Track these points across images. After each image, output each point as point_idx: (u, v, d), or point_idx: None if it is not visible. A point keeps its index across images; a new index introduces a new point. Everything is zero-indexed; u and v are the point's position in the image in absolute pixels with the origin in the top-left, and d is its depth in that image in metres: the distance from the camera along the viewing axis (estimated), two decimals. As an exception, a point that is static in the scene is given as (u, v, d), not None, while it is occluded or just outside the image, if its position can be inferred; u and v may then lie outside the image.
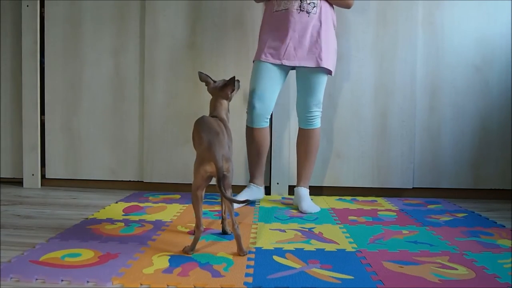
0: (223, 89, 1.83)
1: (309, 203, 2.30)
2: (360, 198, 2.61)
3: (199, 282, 1.32)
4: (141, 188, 2.77)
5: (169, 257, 1.52)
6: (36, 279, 1.33)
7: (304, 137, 2.35)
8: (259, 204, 2.40)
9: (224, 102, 1.83)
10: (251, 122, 2.31)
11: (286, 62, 2.21)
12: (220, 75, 2.59)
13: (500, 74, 2.67)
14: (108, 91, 2.77)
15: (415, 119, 2.67)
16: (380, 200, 2.58)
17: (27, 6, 2.73)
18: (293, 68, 2.32)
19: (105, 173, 2.80)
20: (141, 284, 1.30)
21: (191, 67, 2.70)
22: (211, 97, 1.86)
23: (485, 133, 2.69)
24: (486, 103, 2.68)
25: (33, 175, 2.79)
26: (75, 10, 2.76)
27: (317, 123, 2.33)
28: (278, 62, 2.21)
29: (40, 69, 2.78)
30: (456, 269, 1.46)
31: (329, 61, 2.23)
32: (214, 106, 1.83)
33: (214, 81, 1.88)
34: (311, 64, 2.20)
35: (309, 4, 2.19)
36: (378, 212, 2.25)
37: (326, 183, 2.70)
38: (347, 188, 2.70)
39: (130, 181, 2.79)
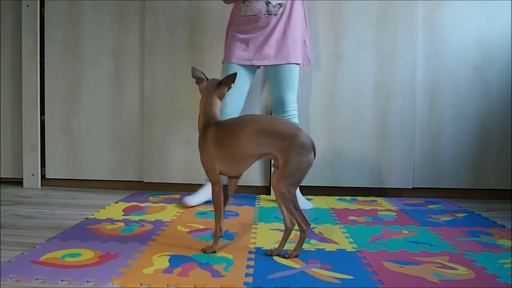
0: (220, 87, 1.65)
1: (302, 199, 2.33)
2: (360, 198, 2.61)
3: (199, 282, 1.32)
4: (141, 188, 2.77)
5: (169, 257, 1.52)
6: (36, 279, 1.33)
7: None
8: (259, 204, 2.40)
9: (218, 102, 1.67)
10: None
11: (256, 62, 2.24)
12: (219, 75, 2.60)
13: (500, 74, 2.67)
14: (108, 91, 2.77)
15: (415, 119, 2.67)
16: (380, 200, 2.57)
17: (27, 6, 2.73)
18: (258, 67, 2.36)
19: (105, 173, 2.80)
20: (141, 284, 1.30)
21: (191, 66, 2.69)
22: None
23: (485, 133, 2.69)
24: (486, 103, 2.68)
25: (33, 175, 2.79)
26: (75, 10, 2.76)
27: (295, 121, 2.32)
28: (248, 63, 2.25)
29: (40, 69, 2.78)
30: (456, 269, 1.46)
31: (298, 57, 2.28)
32: (209, 105, 1.64)
33: (207, 79, 1.71)
34: (280, 61, 2.25)
35: (275, 6, 2.22)
36: (378, 212, 2.25)
37: (326, 183, 2.70)
38: (347, 188, 2.70)
39: (130, 181, 2.79)
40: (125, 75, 2.76)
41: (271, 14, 2.22)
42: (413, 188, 2.70)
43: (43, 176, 2.83)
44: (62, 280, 1.32)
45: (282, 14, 2.24)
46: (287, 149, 1.48)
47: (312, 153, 1.52)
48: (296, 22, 2.29)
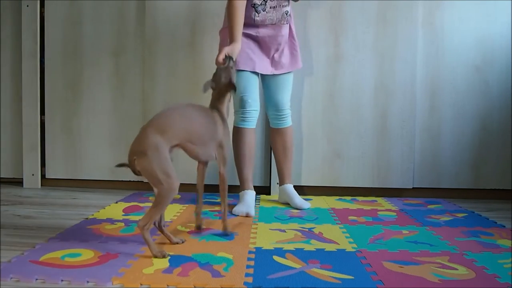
0: (228, 86, 1.80)
1: (301, 199, 2.34)
2: (360, 198, 2.61)
3: (199, 282, 1.32)
4: (141, 188, 2.77)
5: (169, 257, 1.52)
6: (36, 279, 1.33)
7: (279, 136, 2.38)
8: (259, 204, 2.40)
9: (227, 94, 1.81)
10: (248, 123, 2.26)
11: (277, 72, 2.27)
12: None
13: (500, 74, 2.67)
14: (108, 91, 2.78)
15: (415, 119, 2.67)
16: (380, 200, 2.58)
17: (27, 6, 2.73)
18: None
19: (105, 173, 2.80)
20: (141, 284, 1.30)
21: (191, 67, 2.70)
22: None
23: (485, 133, 2.69)
24: (486, 103, 2.68)
25: (33, 175, 2.79)
26: (75, 10, 2.76)
27: (289, 121, 2.38)
28: (268, 72, 2.26)
29: (40, 69, 2.78)
30: (456, 269, 1.46)
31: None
32: (218, 96, 1.79)
33: (213, 81, 1.83)
34: (293, 68, 2.32)
35: (288, 15, 2.23)
36: (378, 212, 2.25)
37: (326, 183, 2.70)
38: (347, 188, 2.70)
39: (130, 181, 2.79)
40: (125, 75, 2.76)
41: (287, 23, 2.24)
42: (413, 188, 2.70)
43: (43, 176, 2.83)
44: (62, 280, 1.32)
45: (289, 20, 2.27)
46: None
47: None
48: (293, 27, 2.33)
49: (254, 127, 2.31)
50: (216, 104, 1.78)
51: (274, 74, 2.29)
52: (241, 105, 2.26)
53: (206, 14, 2.68)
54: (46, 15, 2.77)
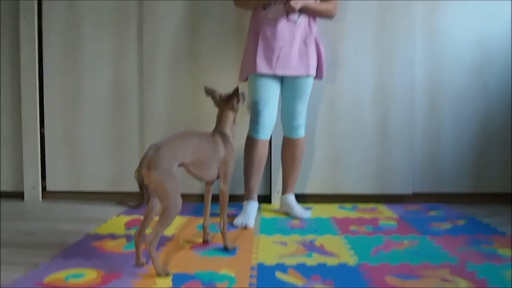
0: (229, 101, 1.87)
1: (301, 209, 2.36)
2: (360, 206, 2.61)
3: (202, 303, 1.32)
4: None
5: (172, 275, 1.53)
6: (40, 303, 1.34)
7: (290, 146, 2.39)
8: (260, 215, 2.40)
9: (230, 114, 1.88)
10: (260, 134, 2.28)
11: (278, 72, 2.22)
12: (219, 82, 2.59)
13: (500, 77, 2.67)
14: (108, 101, 2.77)
15: (415, 122, 2.68)
16: (380, 207, 2.58)
17: (25, 17, 2.72)
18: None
19: (106, 184, 2.80)
20: (144, 306, 1.31)
21: (191, 75, 2.70)
22: (217, 110, 1.91)
23: (485, 136, 2.69)
24: (486, 105, 2.69)
25: (34, 188, 2.79)
26: (73, 21, 2.75)
27: (302, 132, 2.38)
28: (270, 72, 2.22)
29: (39, 81, 2.77)
30: (458, 282, 1.47)
31: (316, 69, 2.31)
32: (220, 119, 1.87)
33: (220, 95, 1.91)
34: (301, 72, 2.25)
35: (293, 14, 2.21)
36: (379, 221, 2.26)
37: (326, 189, 2.70)
38: (347, 196, 2.70)
39: (131, 192, 2.79)
40: (124, 86, 2.76)
41: (289, 20, 2.20)
42: (413, 193, 2.70)
43: (44, 188, 2.82)
44: (66, 304, 1.33)
45: (300, 23, 2.22)
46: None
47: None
48: (314, 36, 2.29)
49: (267, 138, 2.31)
50: (218, 127, 1.86)
51: (290, 79, 2.28)
52: (253, 115, 2.29)
53: (206, 21, 2.67)
54: (44, 26, 2.76)
